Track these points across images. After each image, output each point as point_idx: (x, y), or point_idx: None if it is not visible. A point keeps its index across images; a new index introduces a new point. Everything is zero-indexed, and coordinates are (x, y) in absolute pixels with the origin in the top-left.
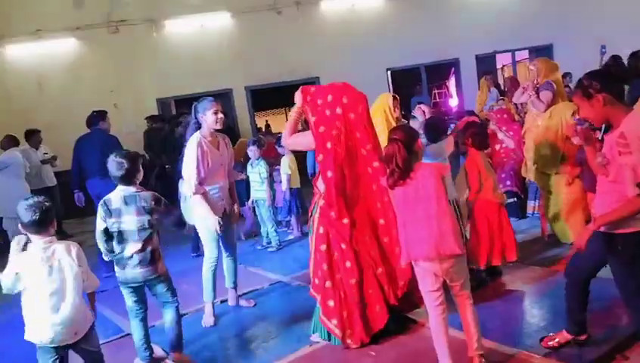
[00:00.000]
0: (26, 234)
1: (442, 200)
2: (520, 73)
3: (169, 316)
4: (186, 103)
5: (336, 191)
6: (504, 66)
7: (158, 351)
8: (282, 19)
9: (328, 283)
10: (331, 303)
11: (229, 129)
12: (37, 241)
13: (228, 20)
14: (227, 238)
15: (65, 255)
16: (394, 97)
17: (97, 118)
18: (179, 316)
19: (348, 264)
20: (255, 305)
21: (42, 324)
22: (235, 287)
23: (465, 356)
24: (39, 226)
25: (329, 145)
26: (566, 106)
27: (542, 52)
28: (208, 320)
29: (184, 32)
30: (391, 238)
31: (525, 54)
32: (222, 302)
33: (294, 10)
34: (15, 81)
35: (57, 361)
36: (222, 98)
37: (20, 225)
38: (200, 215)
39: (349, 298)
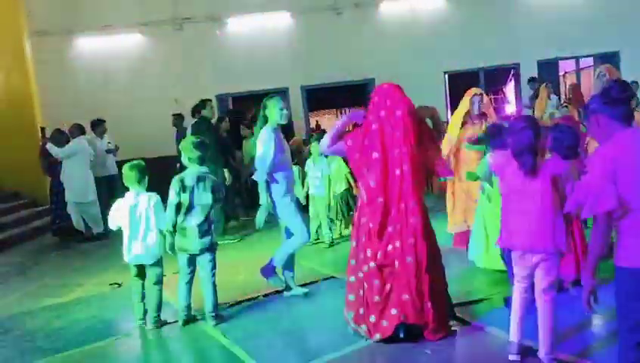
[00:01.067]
0: None
1: (548, 196)
2: (584, 81)
3: (206, 289)
4: (243, 100)
5: (371, 199)
6: (566, 73)
7: None
8: (341, 20)
9: (352, 279)
10: (351, 297)
11: (285, 127)
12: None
13: (287, 19)
14: None
15: (146, 203)
16: (479, 95)
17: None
18: (214, 287)
19: (371, 264)
20: (306, 294)
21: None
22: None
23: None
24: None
25: (375, 155)
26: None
27: (608, 60)
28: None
29: (245, 30)
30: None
31: (589, 61)
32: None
33: (353, 11)
34: (83, 73)
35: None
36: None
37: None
38: (282, 201)
39: (368, 297)
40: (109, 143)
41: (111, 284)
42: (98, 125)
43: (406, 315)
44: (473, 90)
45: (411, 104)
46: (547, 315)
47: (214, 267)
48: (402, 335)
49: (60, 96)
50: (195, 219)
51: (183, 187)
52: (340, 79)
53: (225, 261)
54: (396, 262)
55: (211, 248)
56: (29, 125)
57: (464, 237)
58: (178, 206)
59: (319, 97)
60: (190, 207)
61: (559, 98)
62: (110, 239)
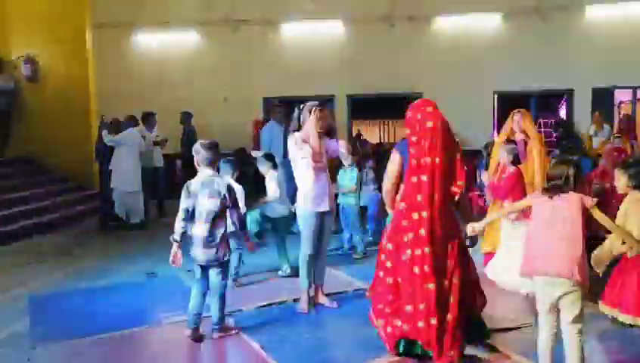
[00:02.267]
0: None
1: (578, 226)
2: (639, 113)
3: (212, 300)
4: (289, 105)
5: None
6: (621, 102)
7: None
8: (394, 32)
9: (379, 288)
10: (380, 306)
11: (327, 134)
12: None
13: (340, 28)
14: (323, 235)
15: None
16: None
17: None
18: (221, 300)
19: (389, 280)
20: (338, 307)
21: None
22: (322, 285)
23: None
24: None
25: (414, 179)
26: None
27: None
28: (303, 306)
29: (298, 36)
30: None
31: None
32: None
33: (407, 24)
34: (139, 67)
35: None
36: (325, 104)
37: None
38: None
39: (385, 309)
40: (157, 135)
41: (148, 274)
42: (149, 118)
43: (407, 328)
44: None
45: (442, 118)
46: (578, 347)
47: (223, 280)
48: (401, 349)
49: (116, 87)
50: (199, 228)
51: (188, 193)
52: (387, 90)
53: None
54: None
55: (219, 262)
56: (83, 113)
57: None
58: (188, 212)
59: (365, 107)
60: (193, 214)
61: (611, 128)
62: (147, 230)
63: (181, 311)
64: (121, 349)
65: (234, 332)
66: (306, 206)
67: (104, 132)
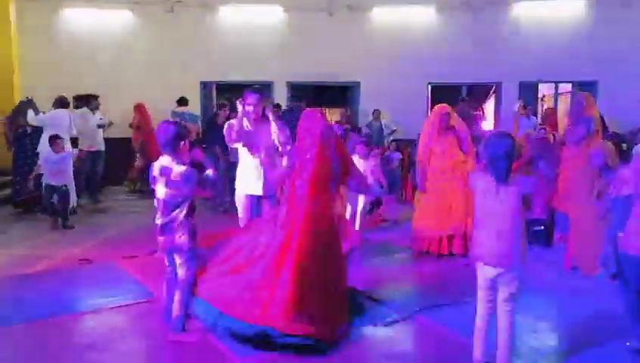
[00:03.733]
0: None
1: (517, 217)
2: (560, 106)
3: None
4: (227, 89)
5: None
6: (544, 96)
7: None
8: (332, 20)
9: None
10: None
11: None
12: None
13: (280, 14)
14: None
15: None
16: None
17: None
18: (183, 295)
19: None
20: None
21: None
22: None
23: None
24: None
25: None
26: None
27: (586, 87)
28: None
29: (236, 20)
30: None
31: (568, 87)
32: None
33: (345, 13)
34: (68, 45)
35: None
36: (263, 89)
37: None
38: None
39: None
40: (101, 118)
41: (81, 260)
42: (92, 100)
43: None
44: (439, 107)
45: (325, 126)
46: (510, 324)
47: (187, 272)
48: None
49: (43, 65)
50: (158, 214)
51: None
52: (326, 78)
53: None
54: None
55: (178, 250)
56: (7, 90)
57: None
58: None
59: (304, 93)
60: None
61: (536, 120)
62: (79, 215)
63: (121, 297)
64: (59, 336)
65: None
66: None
67: (30, 111)
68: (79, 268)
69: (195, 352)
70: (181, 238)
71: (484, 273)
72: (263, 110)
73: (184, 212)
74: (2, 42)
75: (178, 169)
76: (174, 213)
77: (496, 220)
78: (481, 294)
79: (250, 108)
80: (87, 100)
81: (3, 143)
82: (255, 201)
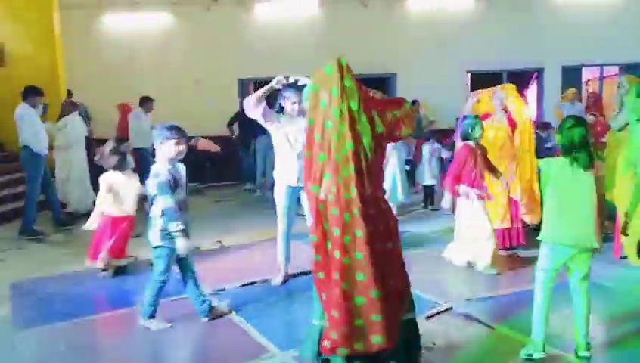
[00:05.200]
0: None
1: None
2: (606, 90)
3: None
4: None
5: None
6: (589, 80)
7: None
8: (367, 11)
9: None
10: None
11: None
12: None
13: (315, 8)
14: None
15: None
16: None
17: None
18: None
19: None
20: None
21: None
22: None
23: None
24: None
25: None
26: None
27: (633, 70)
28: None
29: (271, 16)
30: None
31: (614, 70)
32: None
33: (381, 3)
34: (109, 49)
35: None
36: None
37: None
38: None
39: None
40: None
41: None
42: (146, 102)
43: None
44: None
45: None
46: (587, 301)
47: (156, 269)
48: None
49: (86, 71)
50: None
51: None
52: (362, 71)
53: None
54: None
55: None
56: (54, 98)
57: None
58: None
59: None
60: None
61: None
62: None
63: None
64: (108, 331)
65: (164, 325)
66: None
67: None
68: (127, 265)
69: (236, 344)
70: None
71: (558, 255)
72: None
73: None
74: (47, 51)
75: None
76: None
77: (577, 204)
78: (547, 276)
79: (293, 106)
80: (142, 102)
81: None
82: (292, 191)
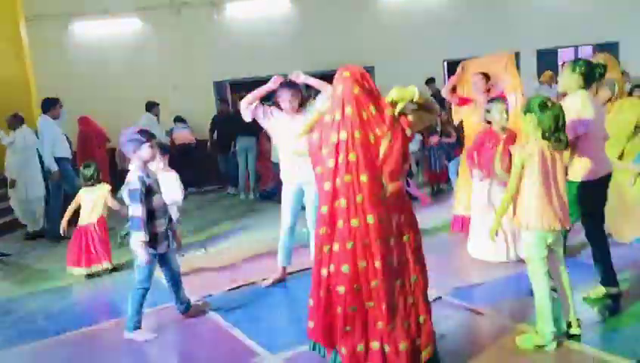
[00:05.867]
0: None
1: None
2: None
3: None
4: (241, 87)
5: None
6: (564, 62)
7: None
8: (341, 4)
9: None
10: None
11: None
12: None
13: (286, 4)
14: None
15: None
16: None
17: None
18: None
19: None
20: None
21: None
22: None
23: None
24: None
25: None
26: (635, 103)
27: (607, 49)
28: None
29: (244, 15)
30: None
31: (589, 50)
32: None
33: None
34: (81, 59)
35: None
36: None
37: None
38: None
39: None
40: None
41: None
42: (153, 107)
43: None
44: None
45: (360, 82)
46: (566, 277)
47: (138, 276)
48: None
49: (58, 82)
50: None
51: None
52: (339, 65)
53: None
54: None
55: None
56: (26, 111)
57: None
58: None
59: None
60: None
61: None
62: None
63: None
64: (93, 345)
65: (146, 337)
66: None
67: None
68: (107, 278)
69: (226, 348)
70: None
71: (543, 241)
72: (301, 103)
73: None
74: (15, 62)
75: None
76: None
77: (557, 187)
78: (542, 263)
79: (291, 104)
80: (149, 107)
81: None
82: (297, 191)
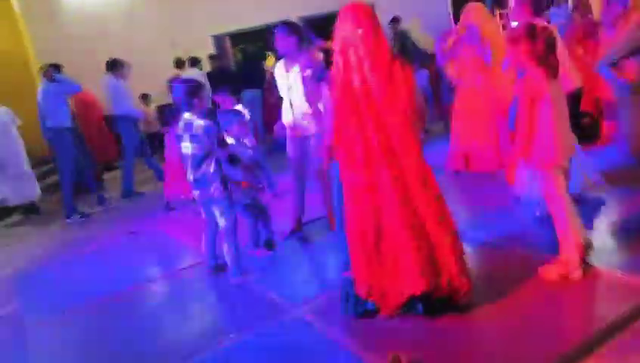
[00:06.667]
0: None
1: None
2: None
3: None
4: (241, 38)
5: None
6: None
7: None
8: None
9: None
10: None
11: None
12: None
13: None
14: None
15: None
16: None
17: None
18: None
19: None
20: None
21: None
22: None
23: None
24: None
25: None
26: None
27: None
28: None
29: None
30: None
31: None
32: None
33: None
34: (76, 23)
35: None
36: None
37: None
38: None
39: None
40: None
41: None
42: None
43: None
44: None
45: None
46: None
47: (226, 222)
48: None
49: (56, 49)
50: (189, 170)
51: (177, 137)
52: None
53: None
54: None
55: (214, 202)
56: (26, 85)
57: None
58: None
59: (321, 28)
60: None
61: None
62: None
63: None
64: (121, 309)
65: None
66: None
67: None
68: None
69: (251, 304)
70: (215, 191)
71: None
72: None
73: (213, 165)
74: (10, 37)
75: (199, 122)
76: (202, 167)
77: (563, 117)
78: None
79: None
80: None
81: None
82: (300, 142)
